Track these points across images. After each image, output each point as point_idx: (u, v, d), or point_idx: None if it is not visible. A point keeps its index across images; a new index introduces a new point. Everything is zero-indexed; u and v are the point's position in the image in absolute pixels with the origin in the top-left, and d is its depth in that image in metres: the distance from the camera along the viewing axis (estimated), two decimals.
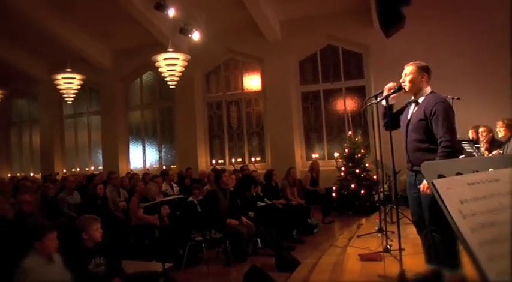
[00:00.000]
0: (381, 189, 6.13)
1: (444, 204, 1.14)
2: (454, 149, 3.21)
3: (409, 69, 3.53)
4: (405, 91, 3.55)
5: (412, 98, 3.57)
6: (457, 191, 1.19)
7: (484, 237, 1.10)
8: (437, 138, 3.26)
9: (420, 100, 3.48)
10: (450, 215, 1.12)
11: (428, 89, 3.50)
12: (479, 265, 1.05)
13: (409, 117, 3.53)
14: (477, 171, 1.29)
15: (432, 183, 1.19)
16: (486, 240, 1.09)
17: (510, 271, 1.05)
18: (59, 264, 3.35)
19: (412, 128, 3.46)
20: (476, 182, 1.24)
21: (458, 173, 1.27)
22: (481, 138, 6.47)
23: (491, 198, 1.22)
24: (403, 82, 3.54)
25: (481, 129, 6.52)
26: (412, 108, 3.54)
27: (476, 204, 1.19)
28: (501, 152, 5.93)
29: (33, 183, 8.80)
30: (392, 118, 3.69)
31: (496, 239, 1.11)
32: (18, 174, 14.14)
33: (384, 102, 3.74)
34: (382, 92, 3.79)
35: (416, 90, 3.51)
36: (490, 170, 1.35)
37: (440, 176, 1.23)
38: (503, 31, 9.18)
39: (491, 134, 6.37)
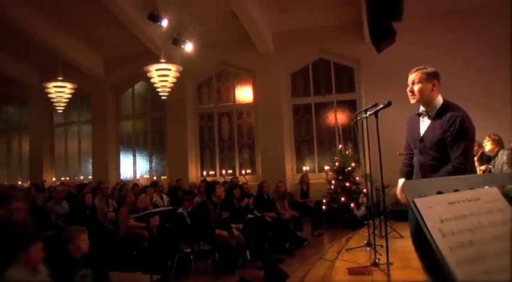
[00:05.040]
0: (363, 202, 6.14)
1: (424, 223, 1.16)
2: (462, 173, 2.78)
3: (416, 77, 3.07)
4: (414, 102, 3.12)
5: (422, 109, 3.14)
6: (438, 210, 1.21)
7: (462, 256, 1.12)
8: (451, 157, 2.91)
9: (432, 112, 3.06)
10: (430, 233, 1.14)
11: (440, 99, 3.08)
12: None
13: (422, 133, 3.11)
14: (458, 191, 1.31)
15: (413, 201, 1.21)
16: (464, 260, 1.11)
17: None
18: (44, 276, 3.31)
19: (429, 146, 3.02)
20: (457, 201, 1.26)
21: (440, 192, 1.29)
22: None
23: (470, 217, 1.24)
24: (410, 91, 3.10)
25: None
26: (425, 122, 3.12)
27: (456, 223, 1.21)
28: (490, 166, 6.02)
29: (21, 191, 8.68)
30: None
31: (473, 258, 1.13)
32: (6, 183, 13.92)
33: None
34: (372, 107, 3.83)
35: (426, 101, 3.07)
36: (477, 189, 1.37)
37: (421, 195, 1.25)
38: (493, 44, 9.36)
39: (481, 149, 6.46)
